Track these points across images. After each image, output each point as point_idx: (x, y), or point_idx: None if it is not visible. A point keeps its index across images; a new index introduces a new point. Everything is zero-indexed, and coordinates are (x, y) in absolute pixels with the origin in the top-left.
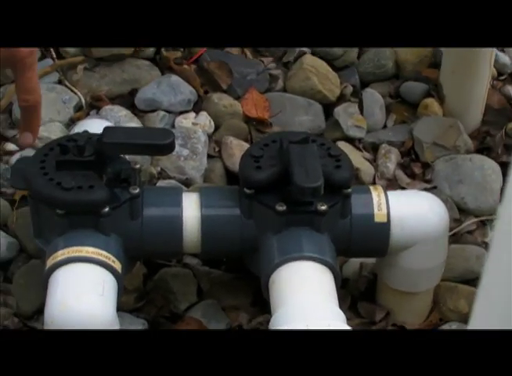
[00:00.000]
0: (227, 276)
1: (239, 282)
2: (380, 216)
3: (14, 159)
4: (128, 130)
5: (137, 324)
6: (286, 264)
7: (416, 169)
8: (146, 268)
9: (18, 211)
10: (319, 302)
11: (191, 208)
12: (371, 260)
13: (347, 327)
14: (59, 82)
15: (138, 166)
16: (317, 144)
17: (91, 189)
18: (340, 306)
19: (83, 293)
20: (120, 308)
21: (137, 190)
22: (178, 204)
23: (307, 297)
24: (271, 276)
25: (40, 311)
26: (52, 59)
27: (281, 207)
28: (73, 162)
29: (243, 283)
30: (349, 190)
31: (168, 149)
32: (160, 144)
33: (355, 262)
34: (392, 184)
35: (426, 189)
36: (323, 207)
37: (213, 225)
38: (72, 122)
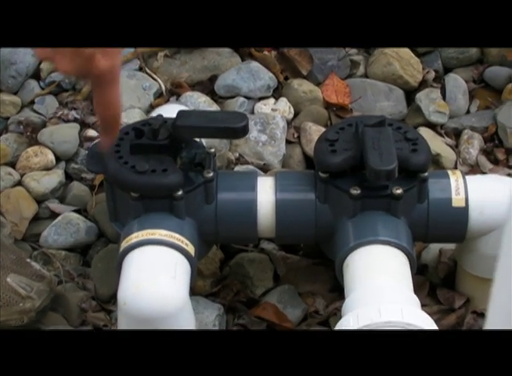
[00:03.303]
0: (304, 262)
1: (317, 268)
2: (458, 201)
3: None
4: (201, 114)
5: (213, 309)
6: (361, 248)
7: (499, 155)
8: (222, 253)
9: (97, 196)
10: (393, 286)
11: (266, 192)
12: (451, 246)
13: (421, 312)
14: (140, 69)
15: (212, 150)
16: (393, 128)
17: (165, 173)
18: (419, 293)
19: (155, 275)
20: (197, 292)
21: (211, 174)
22: (253, 188)
23: (380, 280)
24: (345, 259)
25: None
26: None
27: (356, 191)
28: (148, 146)
29: (320, 269)
30: (426, 174)
31: (242, 132)
32: (234, 127)
33: (434, 249)
34: (475, 170)
35: (510, 175)
36: (399, 191)
37: (288, 209)
38: (152, 109)
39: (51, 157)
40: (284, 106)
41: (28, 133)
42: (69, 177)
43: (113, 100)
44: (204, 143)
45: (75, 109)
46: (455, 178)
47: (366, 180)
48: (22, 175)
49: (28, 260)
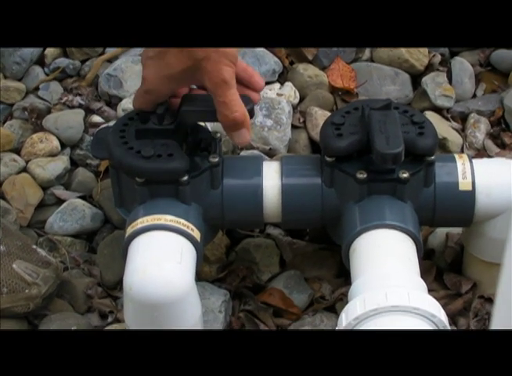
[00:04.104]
0: (310, 247)
1: (323, 253)
2: (464, 184)
3: None
4: (207, 97)
5: (219, 294)
6: (368, 232)
7: (506, 139)
8: (228, 239)
9: (103, 183)
10: (400, 271)
11: (272, 177)
12: (458, 230)
13: (428, 296)
14: None
15: (218, 135)
16: (399, 111)
17: (171, 158)
18: (426, 277)
19: (161, 260)
20: (203, 278)
21: (217, 159)
22: (259, 172)
23: (387, 265)
24: (352, 244)
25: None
26: None
27: (362, 175)
28: (153, 131)
29: (327, 254)
30: (432, 158)
31: (248, 115)
32: None
33: (441, 233)
34: (481, 154)
35: None
36: (405, 175)
37: (294, 193)
38: None
39: (56, 143)
40: (290, 91)
41: (33, 119)
42: (74, 163)
43: (135, 97)
44: (210, 128)
45: (80, 95)
46: (461, 162)
47: (373, 164)
48: (27, 162)
49: (34, 246)
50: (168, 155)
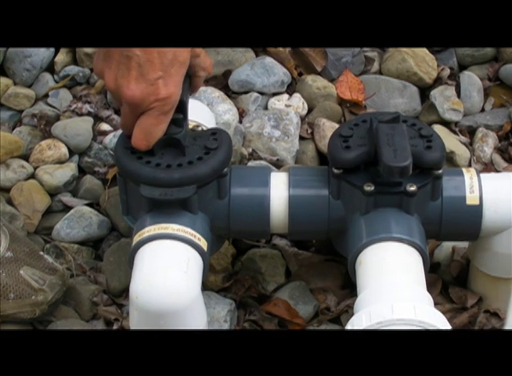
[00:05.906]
0: (316, 258)
1: (329, 264)
2: (472, 199)
3: (108, 139)
4: None
5: (224, 304)
6: (374, 244)
7: None
8: (234, 248)
9: (110, 190)
10: (406, 284)
11: (279, 188)
12: (464, 244)
13: (434, 310)
14: None
15: None
16: (408, 124)
17: (214, 154)
18: (431, 291)
19: (167, 269)
20: (208, 287)
21: (224, 169)
22: (266, 183)
23: (393, 278)
24: (358, 256)
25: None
26: None
27: (369, 188)
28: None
29: (332, 266)
30: (440, 172)
31: None
32: None
33: (447, 247)
34: (489, 168)
35: None
36: (413, 188)
37: (300, 205)
38: None
39: (64, 150)
40: (298, 102)
41: (42, 126)
42: (82, 170)
43: (153, 130)
44: None
45: (89, 102)
46: (469, 176)
47: (380, 176)
48: (35, 168)
49: (41, 253)
50: (205, 154)
